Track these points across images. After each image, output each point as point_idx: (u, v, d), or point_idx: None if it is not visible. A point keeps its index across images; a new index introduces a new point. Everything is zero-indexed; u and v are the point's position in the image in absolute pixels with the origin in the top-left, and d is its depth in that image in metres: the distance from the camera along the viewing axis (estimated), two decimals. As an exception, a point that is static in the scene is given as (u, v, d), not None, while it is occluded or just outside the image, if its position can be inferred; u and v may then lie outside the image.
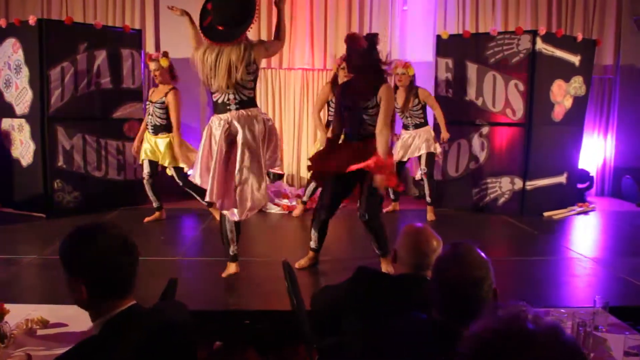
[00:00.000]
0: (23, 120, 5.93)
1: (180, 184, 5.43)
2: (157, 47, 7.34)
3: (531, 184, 6.23)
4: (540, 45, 6.00)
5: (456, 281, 1.53)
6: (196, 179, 3.68)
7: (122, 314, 1.58)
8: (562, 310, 2.58)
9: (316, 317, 2.51)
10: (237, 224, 3.76)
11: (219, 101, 3.60)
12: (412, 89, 5.72)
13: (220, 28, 3.51)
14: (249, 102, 3.61)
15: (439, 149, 5.87)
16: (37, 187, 5.87)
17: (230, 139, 3.56)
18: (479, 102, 6.32)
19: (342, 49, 7.32)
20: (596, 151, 7.66)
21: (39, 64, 5.72)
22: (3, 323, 2.15)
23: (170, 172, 5.49)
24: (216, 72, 3.49)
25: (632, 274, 4.10)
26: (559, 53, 6.21)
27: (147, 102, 5.50)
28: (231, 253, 3.80)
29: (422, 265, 2.05)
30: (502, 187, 6.31)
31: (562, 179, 6.55)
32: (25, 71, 5.82)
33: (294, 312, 2.62)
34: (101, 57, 6.12)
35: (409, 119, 5.80)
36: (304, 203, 6.01)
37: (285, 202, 6.27)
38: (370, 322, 2.08)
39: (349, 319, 2.21)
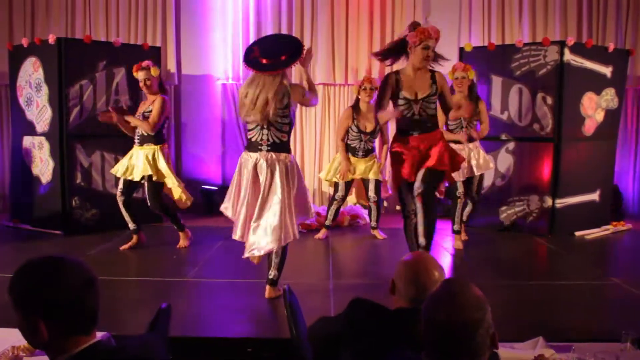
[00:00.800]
0: (43, 138, 5.96)
1: (148, 203, 5.18)
2: (178, 64, 7.35)
3: (562, 202, 5.93)
4: (568, 56, 5.73)
5: (446, 324, 1.34)
6: (228, 212, 3.86)
7: (84, 352, 1.45)
8: (586, 345, 2.35)
9: (313, 349, 2.35)
10: (283, 250, 3.78)
11: (253, 139, 3.71)
12: (473, 96, 5.24)
13: (264, 61, 3.59)
14: (281, 146, 3.68)
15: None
16: (56, 205, 5.87)
17: (255, 176, 3.68)
18: (504, 117, 6.07)
19: (363, 63, 7.26)
20: (631, 167, 7.28)
21: (58, 82, 5.75)
22: None
23: (143, 182, 5.16)
24: (254, 105, 3.58)
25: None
26: (589, 64, 5.92)
27: (136, 115, 5.22)
28: (269, 276, 3.82)
29: (420, 299, 1.84)
30: (531, 205, 6.02)
31: (594, 196, 6.22)
32: (45, 89, 5.87)
33: (293, 341, 2.46)
34: (120, 74, 6.13)
35: (467, 129, 5.29)
36: (328, 227, 5.82)
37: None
38: (364, 357, 1.92)
39: (345, 352, 2.05)
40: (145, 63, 5.14)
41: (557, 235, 5.79)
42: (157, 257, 5.02)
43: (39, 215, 6.04)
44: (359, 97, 5.54)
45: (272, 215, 3.59)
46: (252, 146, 3.71)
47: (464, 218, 5.51)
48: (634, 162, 7.33)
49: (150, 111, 5.08)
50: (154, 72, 5.13)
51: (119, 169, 5.20)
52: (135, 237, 5.23)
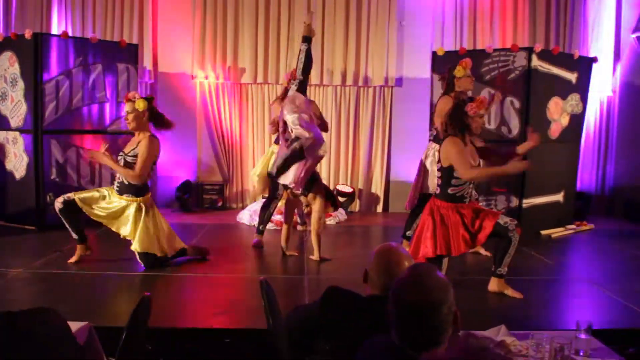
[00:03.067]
0: (17, 133, 5.94)
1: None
2: (155, 61, 7.38)
3: (528, 202, 6.16)
4: (536, 62, 5.97)
5: (412, 304, 1.48)
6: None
7: None
8: (544, 334, 2.51)
9: (290, 337, 2.46)
10: None
11: None
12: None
13: None
14: None
15: None
16: (30, 200, 5.86)
17: None
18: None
19: (339, 65, 7.40)
20: (594, 169, 7.59)
21: (34, 77, 5.74)
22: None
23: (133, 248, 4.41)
24: None
25: (627, 297, 4.01)
26: (555, 70, 6.17)
27: (120, 154, 4.45)
28: None
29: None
30: (498, 205, 6.24)
31: (559, 197, 6.48)
32: (20, 84, 5.85)
33: (270, 331, 2.57)
34: (96, 71, 6.15)
35: None
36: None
37: (278, 217, 6.22)
38: (340, 343, 2.04)
39: (320, 339, 2.16)
40: (131, 94, 4.38)
41: (524, 234, 5.96)
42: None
43: (12, 211, 6.01)
44: (288, 88, 5.48)
45: None
46: None
47: None
48: (597, 165, 7.64)
49: (135, 155, 4.29)
50: (139, 105, 4.27)
51: (96, 211, 4.41)
52: (80, 248, 4.54)
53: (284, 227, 5.01)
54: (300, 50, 4.92)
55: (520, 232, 3.90)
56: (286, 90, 5.30)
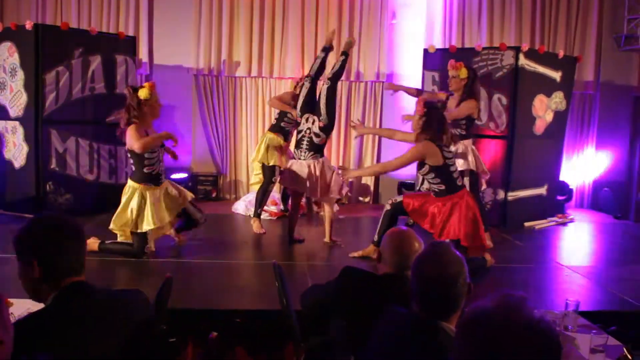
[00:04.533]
0: (17, 123, 6.02)
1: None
2: (150, 53, 7.48)
3: (513, 195, 6.43)
4: (522, 61, 6.22)
5: (433, 277, 1.69)
6: None
7: (71, 285, 1.73)
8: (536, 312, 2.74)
9: (305, 315, 2.64)
10: None
11: None
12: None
13: None
14: None
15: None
16: (30, 189, 5.95)
17: None
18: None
19: (331, 61, 7.55)
20: (575, 164, 7.91)
21: (34, 67, 5.82)
22: (9, 314, 2.25)
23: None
24: None
25: (607, 282, 4.30)
26: (541, 69, 6.44)
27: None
28: None
29: (404, 265, 2.19)
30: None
31: (542, 190, 6.76)
32: (20, 74, 5.92)
33: (284, 311, 2.75)
34: (96, 62, 6.24)
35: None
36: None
37: (273, 208, 6.40)
38: (356, 320, 2.23)
39: (336, 317, 2.35)
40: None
41: (509, 225, 6.28)
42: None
43: (12, 199, 6.09)
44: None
45: None
46: None
47: None
48: (578, 160, 7.95)
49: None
50: (142, 93, 4.42)
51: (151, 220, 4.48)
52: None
53: (292, 217, 5.24)
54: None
55: None
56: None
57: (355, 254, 4.69)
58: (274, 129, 5.86)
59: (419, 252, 2.20)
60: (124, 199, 4.50)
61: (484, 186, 5.53)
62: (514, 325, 1.08)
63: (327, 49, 5.33)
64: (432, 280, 1.69)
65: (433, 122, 4.14)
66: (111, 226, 4.53)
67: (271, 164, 5.69)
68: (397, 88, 5.92)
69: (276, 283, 2.78)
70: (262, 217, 5.79)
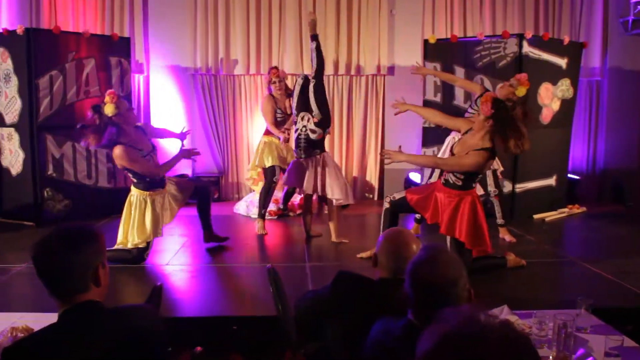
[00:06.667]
0: (12, 129, 5.92)
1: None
2: (146, 54, 7.36)
3: (521, 187, 6.26)
4: (526, 48, 6.04)
5: (429, 282, 1.54)
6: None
7: (80, 305, 1.63)
8: (546, 312, 2.59)
9: (300, 322, 2.51)
10: None
11: None
12: None
13: None
14: None
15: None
16: (27, 196, 5.86)
17: None
18: (467, 106, 6.34)
19: (331, 55, 7.42)
20: (584, 153, 7.70)
21: (27, 73, 5.72)
22: None
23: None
24: None
25: (621, 276, 4.12)
26: (545, 56, 6.25)
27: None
28: None
29: (401, 270, 2.03)
30: (491, 190, 6.31)
31: (551, 181, 6.58)
32: (14, 80, 5.82)
33: (279, 318, 2.62)
34: (90, 65, 6.13)
35: None
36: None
37: (272, 208, 6.26)
38: (351, 326, 2.09)
39: (332, 323, 2.22)
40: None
41: (517, 218, 6.11)
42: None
43: (10, 207, 6.01)
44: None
45: None
46: None
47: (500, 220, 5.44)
48: (587, 149, 7.75)
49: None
50: (108, 109, 4.21)
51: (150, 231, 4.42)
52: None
53: (306, 215, 5.32)
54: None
55: None
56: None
57: (364, 255, 4.59)
58: (267, 131, 5.87)
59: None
60: (136, 213, 4.37)
61: (500, 177, 5.57)
62: (488, 344, 0.93)
63: (315, 37, 5.14)
64: (428, 286, 1.55)
65: (500, 128, 3.78)
66: (131, 243, 4.36)
67: (269, 165, 5.66)
68: (426, 72, 5.77)
69: (271, 288, 2.66)
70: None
